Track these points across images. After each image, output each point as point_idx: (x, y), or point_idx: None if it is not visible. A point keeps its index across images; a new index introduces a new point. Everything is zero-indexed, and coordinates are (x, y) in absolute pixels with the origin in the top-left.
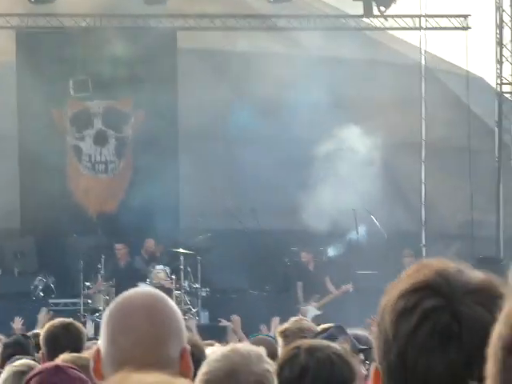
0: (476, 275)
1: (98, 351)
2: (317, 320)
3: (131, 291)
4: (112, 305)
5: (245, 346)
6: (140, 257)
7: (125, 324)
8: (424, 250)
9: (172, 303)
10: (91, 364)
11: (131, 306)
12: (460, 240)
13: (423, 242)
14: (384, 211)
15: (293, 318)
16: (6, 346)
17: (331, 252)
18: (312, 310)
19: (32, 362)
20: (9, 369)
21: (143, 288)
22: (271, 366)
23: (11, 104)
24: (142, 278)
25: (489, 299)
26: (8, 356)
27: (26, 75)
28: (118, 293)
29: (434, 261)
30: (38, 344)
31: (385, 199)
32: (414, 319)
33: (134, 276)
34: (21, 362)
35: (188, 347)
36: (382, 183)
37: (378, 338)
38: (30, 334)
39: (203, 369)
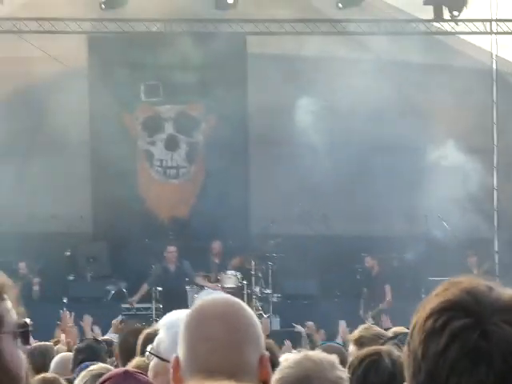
0: (506, 293)
1: (176, 359)
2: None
3: (208, 298)
4: (189, 312)
5: (317, 353)
6: (208, 258)
7: (201, 332)
8: (497, 256)
9: (249, 309)
10: (170, 372)
11: (208, 314)
12: None
13: (496, 248)
14: (456, 217)
15: (363, 326)
16: (78, 350)
17: (403, 258)
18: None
19: (108, 367)
20: (86, 373)
21: (220, 295)
22: (344, 373)
23: (83, 109)
24: (189, 282)
25: None
26: (80, 361)
27: (97, 80)
28: (165, 296)
29: (463, 279)
30: (110, 349)
31: (457, 205)
32: (442, 340)
33: (183, 280)
34: (99, 365)
35: (267, 354)
36: (455, 189)
37: (408, 357)
38: (102, 339)
39: (276, 375)
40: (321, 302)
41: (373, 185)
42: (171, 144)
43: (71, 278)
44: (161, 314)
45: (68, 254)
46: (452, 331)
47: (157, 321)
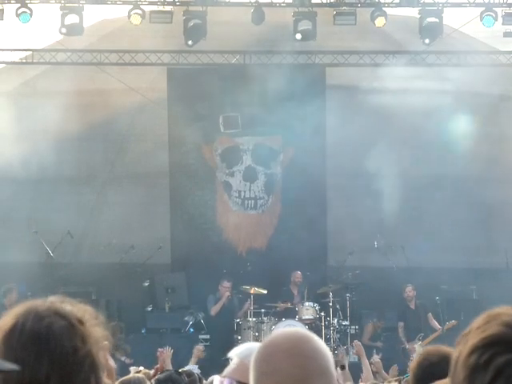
0: None
1: None
2: None
3: (278, 332)
4: (260, 345)
5: None
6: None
7: (268, 365)
8: None
9: (319, 342)
10: None
11: (275, 347)
12: None
13: None
14: None
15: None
16: (158, 381)
17: (481, 291)
18: (419, 348)
19: None
20: None
21: (292, 328)
22: None
23: (163, 140)
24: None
25: None
26: None
27: (176, 112)
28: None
29: (502, 310)
30: (191, 381)
31: None
32: (487, 376)
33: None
34: None
35: None
36: None
37: None
38: (182, 370)
39: None
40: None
41: (451, 215)
42: (249, 175)
43: (149, 308)
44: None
45: (146, 284)
46: (497, 367)
47: None
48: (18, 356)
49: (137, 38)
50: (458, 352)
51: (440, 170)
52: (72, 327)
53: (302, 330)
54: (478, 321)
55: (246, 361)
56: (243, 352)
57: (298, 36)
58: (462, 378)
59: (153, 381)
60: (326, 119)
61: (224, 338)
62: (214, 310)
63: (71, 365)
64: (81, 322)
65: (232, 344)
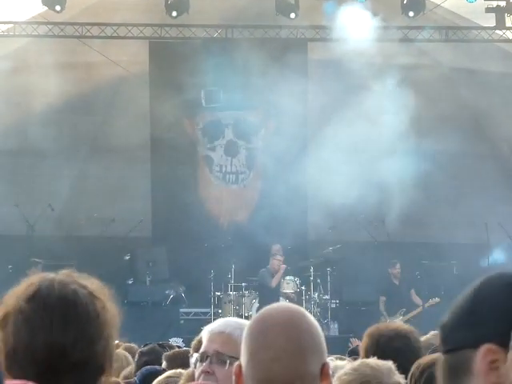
0: None
1: (239, 367)
2: None
3: (270, 306)
4: (252, 320)
5: (374, 359)
6: (266, 269)
7: (263, 340)
8: None
9: (312, 318)
10: (233, 379)
11: (269, 322)
12: None
13: None
14: None
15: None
16: (141, 354)
17: (462, 267)
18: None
19: (181, 371)
20: (161, 379)
21: (283, 303)
22: (402, 379)
23: (144, 114)
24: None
25: None
26: (142, 364)
27: (158, 85)
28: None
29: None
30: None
31: None
32: None
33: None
34: (173, 371)
35: (329, 363)
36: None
37: None
38: (164, 343)
39: (335, 383)
40: (379, 308)
41: (432, 192)
42: (231, 150)
43: (130, 282)
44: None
45: (127, 258)
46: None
47: None
48: (45, 318)
49: (119, 12)
50: None
51: (421, 143)
52: (93, 295)
53: (294, 305)
54: None
55: (234, 336)
56: (227, 327)
57: (292, 15)
58: None
59: (136, 354)
60: (308, 93)
61: None
62: (274, 282)
63: (94, 330)
64: (98, 292)
65: None
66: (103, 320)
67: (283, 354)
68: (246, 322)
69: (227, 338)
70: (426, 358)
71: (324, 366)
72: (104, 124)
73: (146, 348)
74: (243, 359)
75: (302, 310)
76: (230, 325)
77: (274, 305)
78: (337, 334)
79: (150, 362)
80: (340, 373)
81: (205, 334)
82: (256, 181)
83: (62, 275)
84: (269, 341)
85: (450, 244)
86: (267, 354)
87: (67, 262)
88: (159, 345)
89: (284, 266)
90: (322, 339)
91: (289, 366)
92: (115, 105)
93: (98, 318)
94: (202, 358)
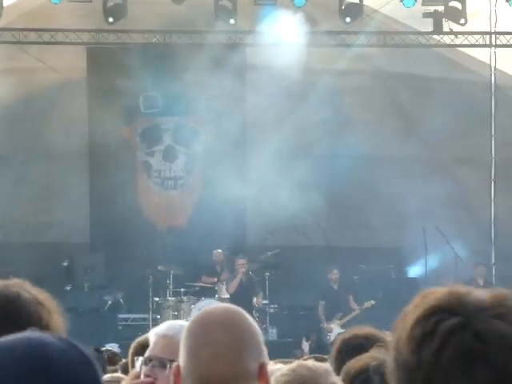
0: (485, 292)
1: (177, 367)
2: None
3: (210, 307)
4: (191, 320)
5: (311, 361)
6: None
7: (203, 338)
8: (494, 268)
9: (250, 318)
10: (171, 379)
11: (210, 321)
12: None
13: (493, 260)
14: (453, 229)
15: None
16: None
17: (400, 271)
18: (336, 328)
19: (119, 375)
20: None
21: (222, 304)
22: (339, 380)
23: (82, 119)
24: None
25: (506, 312)
26: None
27: (96, 91)
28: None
29: (433, 289)
30: (110, 359)
31: (454, 217)
32: (434, 344)
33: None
34: (110, 375)
35: (267, 362)
36: (451, 201)
37: (397, 371)
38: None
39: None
40: (317, 313)
41: (369, 195)
42: (169, 155)
43: (68, 288)
44: (158, 325)
45: (65, 264)
46: (443, 333)
47: None
48: None
49: (56, 17)
50: (399, 331)
51: (357, 147)
52: (37, 300)
53: (233, 305)
54: (414, 301)
55: (176, 338)
56: (170, 330)
57: (232, 21)
58: (408, 353)
59: None
60: (247, 98)
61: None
62: (231, 287)
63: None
64: (45, 301)
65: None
66: (46, 323)
67: (225, 351)
68: None
69: (169, 341)
70: (354, 363)
71: (262, 366)
72: (42, 130)
73: None
74: (182, 359)
75: (241, 310)
76: (173, 327)
77: (213, 306)
78: (276, 338)
79: None
80: (277, 374)
81: (151, 337)
82: (195, 186)
83: (10, 282)
84: (210, 338)
85: (387, 248)
86: (208, 351)
87: (5, 268)
88: (96, 350)
89: (243, 270)
90: (262, 339)
91: (229, 363)
92: (53, 111)
93: (41, 320)
94: (146, 362)
